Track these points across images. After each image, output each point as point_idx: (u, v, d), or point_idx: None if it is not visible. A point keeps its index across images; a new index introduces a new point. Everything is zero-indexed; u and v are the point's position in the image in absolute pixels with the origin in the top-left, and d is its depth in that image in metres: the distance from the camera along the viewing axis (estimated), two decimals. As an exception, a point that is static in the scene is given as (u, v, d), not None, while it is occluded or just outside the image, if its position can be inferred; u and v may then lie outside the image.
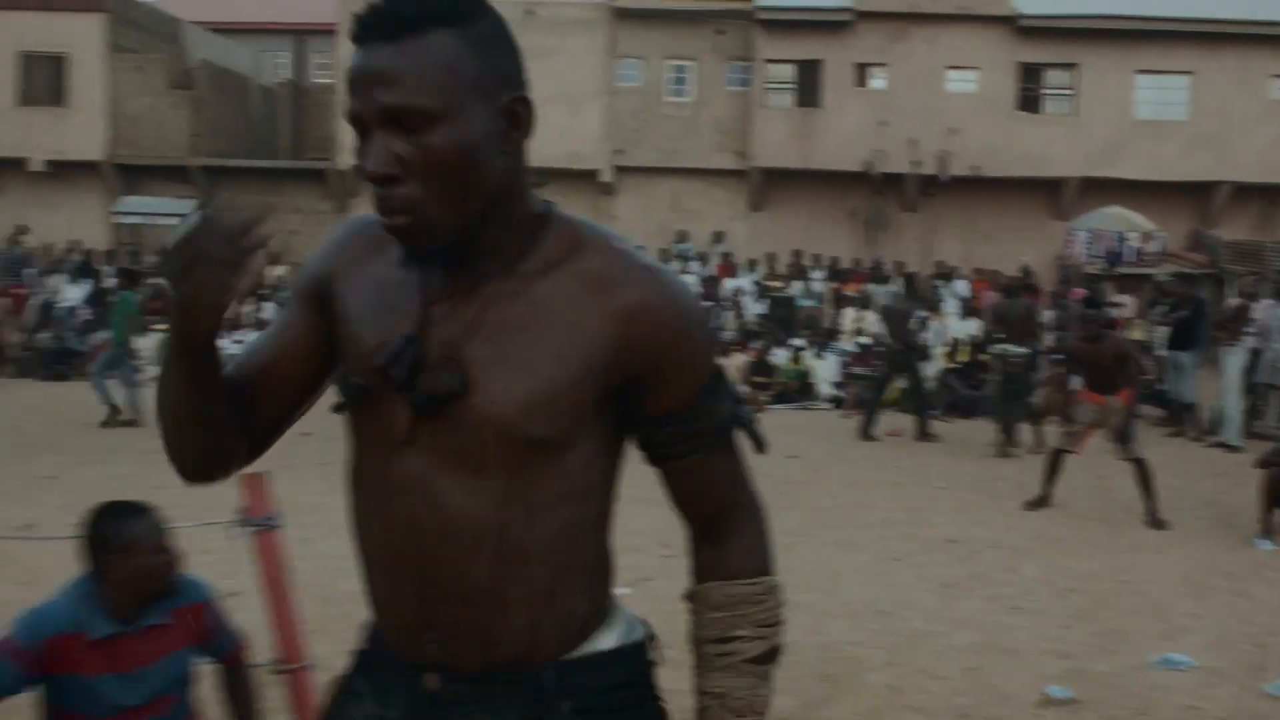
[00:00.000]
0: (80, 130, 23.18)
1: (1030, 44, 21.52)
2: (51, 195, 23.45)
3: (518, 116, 1.22)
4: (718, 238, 21.49)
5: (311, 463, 6.28)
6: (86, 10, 22.97)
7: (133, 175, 23.47)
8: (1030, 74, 21.82)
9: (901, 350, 10.98)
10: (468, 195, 1.19)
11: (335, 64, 29.33)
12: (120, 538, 2.56)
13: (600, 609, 1.34)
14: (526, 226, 1.26)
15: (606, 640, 1.33)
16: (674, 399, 1.27)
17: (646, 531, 5.14)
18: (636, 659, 1.36)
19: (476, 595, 1.25)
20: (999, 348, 10.62)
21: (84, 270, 19.46)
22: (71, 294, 18.20)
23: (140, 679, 2.55)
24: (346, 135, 21.54)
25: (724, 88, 22.38)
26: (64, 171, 23.30)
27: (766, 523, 1.39)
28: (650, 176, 22.38)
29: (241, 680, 2.88)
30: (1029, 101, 21.89)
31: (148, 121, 23.13)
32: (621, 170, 22.41)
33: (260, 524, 3.18)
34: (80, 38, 22.94)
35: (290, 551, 3.26)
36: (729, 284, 18.28)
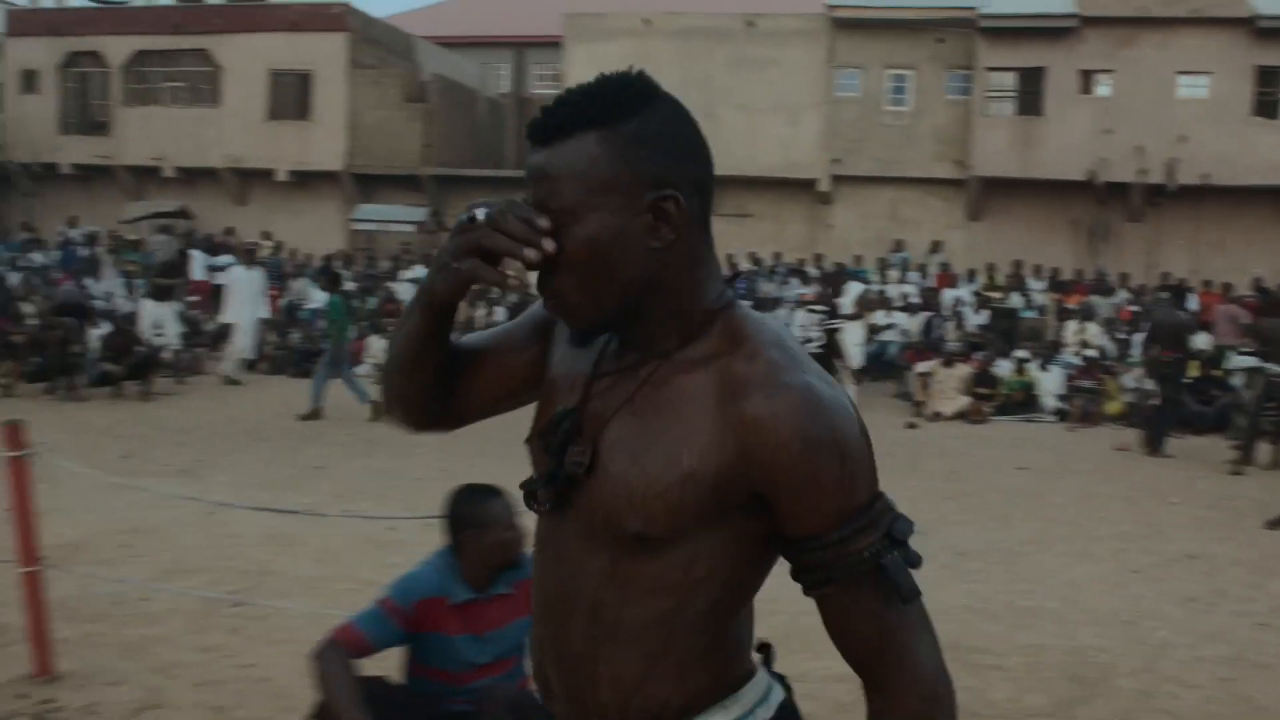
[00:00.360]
0: (322, 142, 24.90)
1: (1269, 46, 20.61)
2: (295, 203, 25.27)
3: (665, 213, 1.23)
4: (935, 247, 21.40)
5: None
6: (330, 30, 24.67)
7: (368, 184, 25.06)
8: (1268, 77, 20.88)
9: (1170, 362, 10.88)
10: (603, 288, 1.23)
11: (556, 75, 30.60)
12: (478, 516, 2.88)
13: (710, 696, 1.30)
14: (694, 318, 1.27)
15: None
16: (802, 524, 1.20)
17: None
18: None
19: (572, 662, 1.29)
20: (1253, 363, 10.42)
21: (327, 274, 20.90)
22: (316, 297, 19.61)
23: (490, 641, 2.91)
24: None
25: (943, 96, 22.28)
26: (307, 181, 25.08)
27: (936, 683, 1.24)
28: (868, 186, 22.48)
29: None
30: (1266, 107, 20.95)
31: (383, 133, 24.66)
32: (839, 179, 22.58)
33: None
34: (324, 56, 24.65)
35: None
36: (949, 294, 18.24)
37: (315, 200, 25.25)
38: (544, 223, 1.21)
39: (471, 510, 2.88)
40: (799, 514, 1.19)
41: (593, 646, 1.27)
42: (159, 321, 14.72)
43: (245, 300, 15.22)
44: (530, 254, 1.21)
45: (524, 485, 1.36)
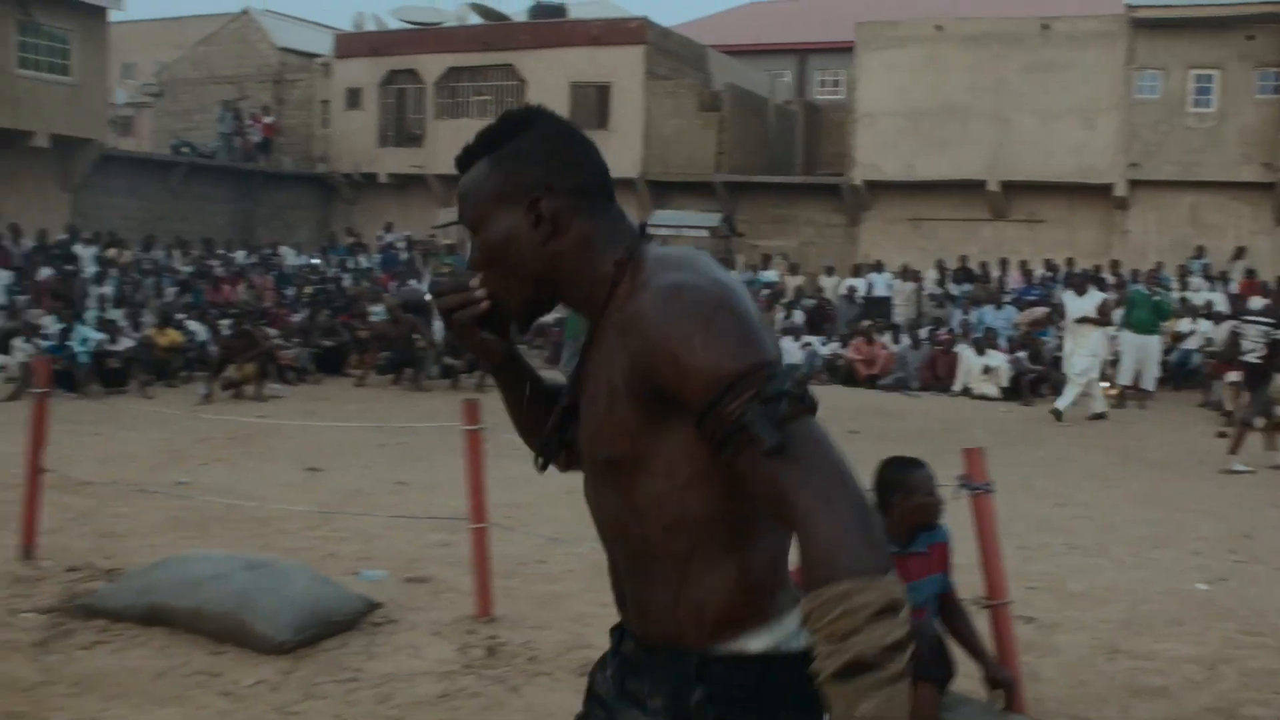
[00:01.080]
0: (619, 151, 28.96)
1: None
2: (593, 209, 29.43)
3: (540, 212, 1.67)
4: (1239, 254, 23.26)
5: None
6: (629, 44, 28.77)
7: (662, 191, 29.01)
8: None
9: None
10: (511, 280, 1.71)
11: (838, 81, 33.90)
12: (905, 482, 3.65)
13: (744, 613, 1.60)
14: (599, 285, 1.66)
15: (755, 644, 1.60)
16: (689, 400, 1.50)
17: (1211, 538, 7.57)
18: (783, 667, 1.59)
19: (627, 577, 1.73)
20: None
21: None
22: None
23: (909, 590, 5.28)
24: (859, 151, 25.80)
25: (1253, 96, 24.15)
26: (606, 188, 29.18)
27: (837, 523, 1.42)
28: (1167, 190, 24.68)
29: (959, 609, 3.95)
30: None
31: (678, 142, 28.54)
32: (1136, 184, 24.87)
33: (978, 488, 4.22)
34: (623, 68, 28.75)
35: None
36: (1255, 303, 20.23)
37: (612, 206, 29.30)
38: (474, 280, 1.71)
39: (899, 476, 3.68)
40: (682, 391, 1.50)
41: (634, 562, 1.68)
42: None
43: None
44: (474, 310, 1.73)
45: (537, 449, 1.88)
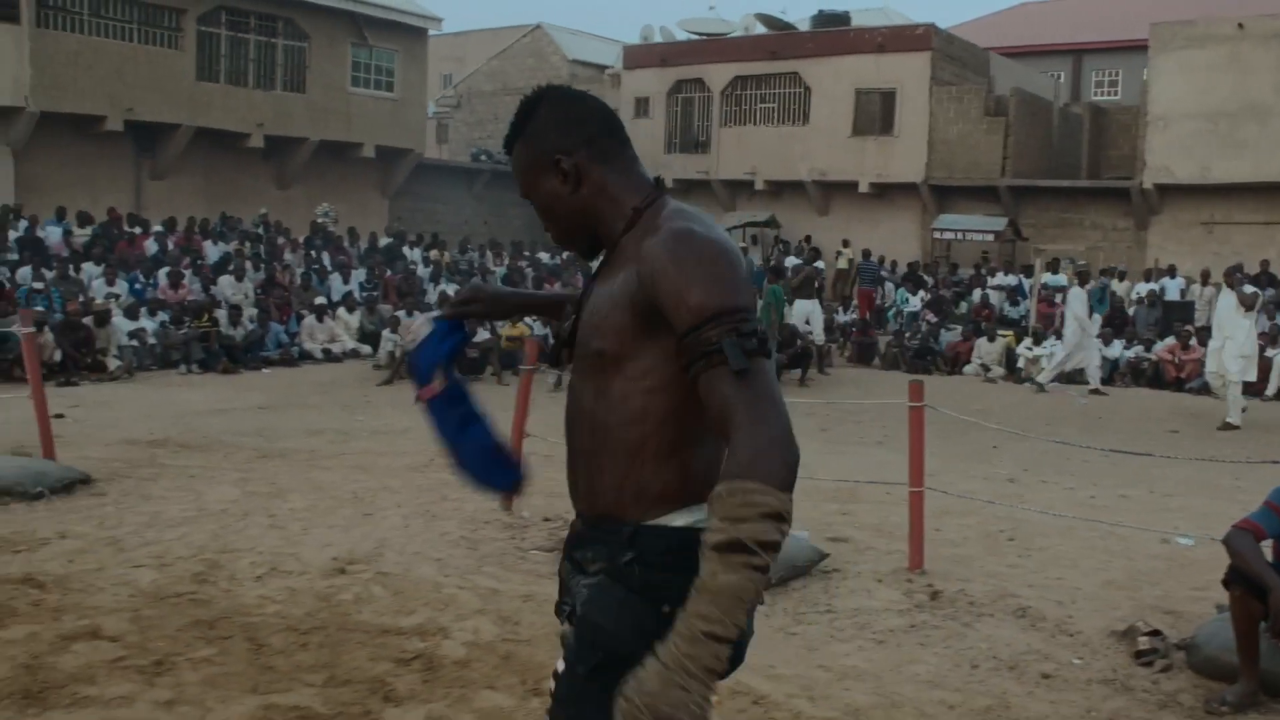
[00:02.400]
0: (903, 156, 29.51)
1: None
2: (874, 213, 30.11)
3: (563, 171, 2.11)
4: None
5: None
6: (915, 50, 29.25)
7: (945, 195, 29.33)
8: None
9: None
10: (563, 224, 2.18)
11: (1114, 81, 33.45)
12: None
13: (676, 496, 2.03)
14: (621, 220, 2.10)
15: (678, 520, 2.02)
16: (677, 321, 1.91)
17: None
18: (680, 536, 2.01)
19: (584, 461, 2.12)
20: None
21: (914, 278, 25.42)
22: (914, 300, 24.11)
23: None
24: (1150, 154, 25.56)
25: None
26: (886, 192, 29.78)
27: (766, 440, 1.81)
28: None
29: None
30: None
31: (962, 146, 28.85)
32: None
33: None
34: (908, 74, 29.26)
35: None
36: None
37: (893, 210, 29.92)
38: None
39: None
40: (674, 312, 1.90)
41: (594, 444, 2.08)
42: (807, 316, 19.21)
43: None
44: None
45: (550, 351, 2.53)
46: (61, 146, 23.33)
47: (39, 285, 16.78)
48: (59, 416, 10.77)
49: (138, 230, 21.74)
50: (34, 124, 22.61)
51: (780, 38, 31.99)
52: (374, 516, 7.30)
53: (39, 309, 15.24)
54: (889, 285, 26.73)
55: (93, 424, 11.05)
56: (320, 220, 24.61)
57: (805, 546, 6.46)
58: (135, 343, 15.61)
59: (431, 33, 29.80)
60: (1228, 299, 13.98)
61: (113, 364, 14.97)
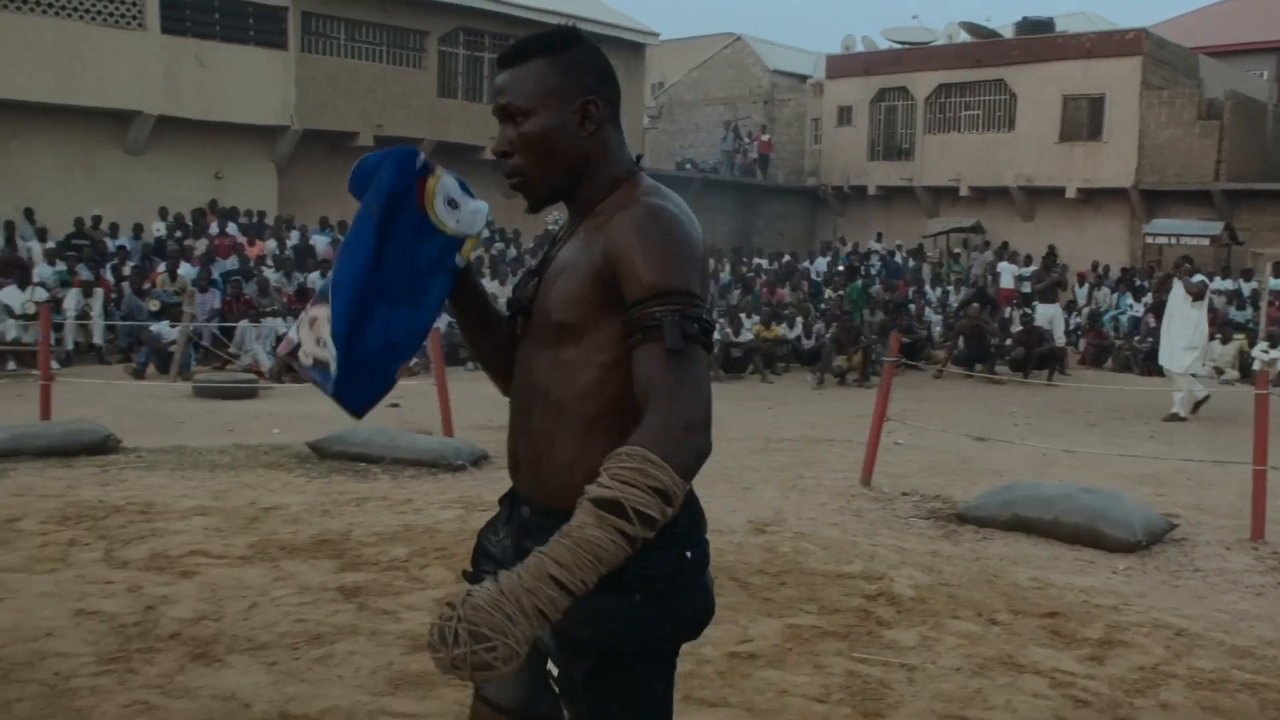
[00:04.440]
0: (1112, 161, 29.71)
1: None
2: (1081, 219, 30.36)
3: (589, 113, 2.03)
4: None
5: None
6: (1124, 55, 29.42)
7: (1155, 199, 29.42)
8: None
9: None
10: (548, 163, 2.03)
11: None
12: None
13: None
14: (607, 184, 2.05)
15: None
16: (628, 295, 1.89)
17: None
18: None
19: (533, 437, 2.04)
20: None
21: (1129, 283, 25.69)
22: (1137, 305, 24.40)
23: None
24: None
25: None
26: (1093, 198, 29.99)
27: (680, 424, 1.77)
28: None
29: None
30: None
31: (1173, 150, 28.93)
32: None
33: None
34: (1117, 79, 29.46)
35: None
36: None
37: (1101, 216, 30.12)
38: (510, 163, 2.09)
39: None
40: (626, 283, 1.89)
41: (546, 421, 2.03)
42: (1050, 319, 19.90)
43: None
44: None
45: (506, 320, 2.22)
46: (318, 162, 25.25)
47: (336, 290, 18.47)
48: (395, 406, 12.23)
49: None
50: (296, 141, 24.57)
51: (985, 45, 32.46)
52: (752, 490, 8.40)
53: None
54: (1104, 290, 26.97)
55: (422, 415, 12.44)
56: (551, 228, 26.07)
57: (1157, 517, 7.33)
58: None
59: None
60: (1178, 290, 13.99)
61: (411, 360, 16.49)
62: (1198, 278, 14.56)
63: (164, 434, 10.19)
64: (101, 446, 8.89)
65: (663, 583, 1.97)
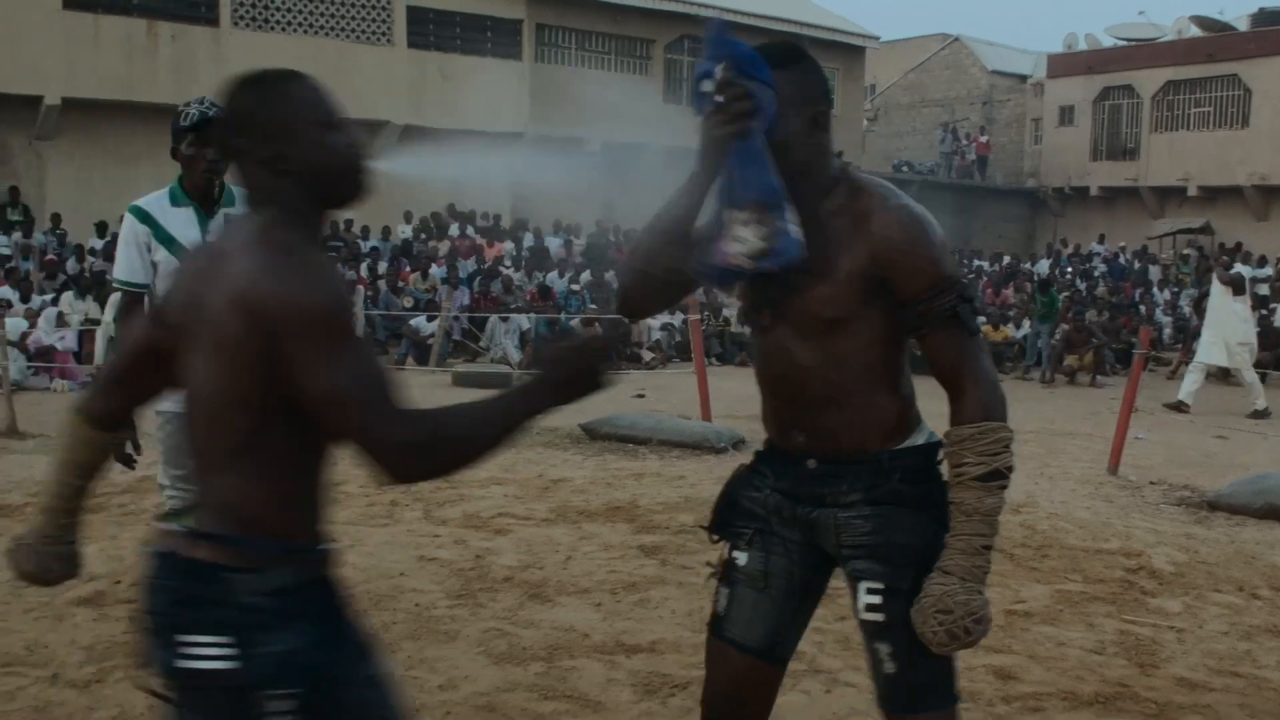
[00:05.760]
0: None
1: None
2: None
3: (818, 121, 2.29)
4: None
5: None
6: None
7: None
8: None
9: None
10: (783, 162, 2.19)
11: None
12: None
13: (905, 424, 2.39)
14: (825, 185, 2.31)
15: (916, 440, 2.40)
16: (909, 291, 2.25)
17: None
18: (931, 451, 2.40)
19: (815, 406, 2.37)
20: None
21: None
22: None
23: None
24: None
25: None
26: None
27: (993, 388, 2.28)
28: None
29: None
30: None
31: None
32: None
33: None
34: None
35: None
36: None
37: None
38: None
39: None
40: (907, 284, 2.25)
41: (822, 398, 2.36)
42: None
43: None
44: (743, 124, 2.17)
45: (746, 312, 2.46)
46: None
47: (575, 288, 19.45)
48: (640, 396, 12.93)
49: (623, 240, 24.40)
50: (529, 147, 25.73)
51: (1217, 39, 31.50)
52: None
53: (572, 308, 17.80)
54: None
55: (666, 404, 13.12)
56: (772, 229, 26.55)
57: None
58: (663, 334, 17.92)
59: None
60: (1217, 287, 13.65)
61: (646, 355, 17.26)
62: (1236, 269, 14.25)
63: (439, 417, 11.10)
64: (394, 425, 9.80)
65: (943, 509, 2.33)
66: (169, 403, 3.99)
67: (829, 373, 2.34)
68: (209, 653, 1.82)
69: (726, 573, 2.53)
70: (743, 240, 2.20)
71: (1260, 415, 13.29)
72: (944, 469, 2.37)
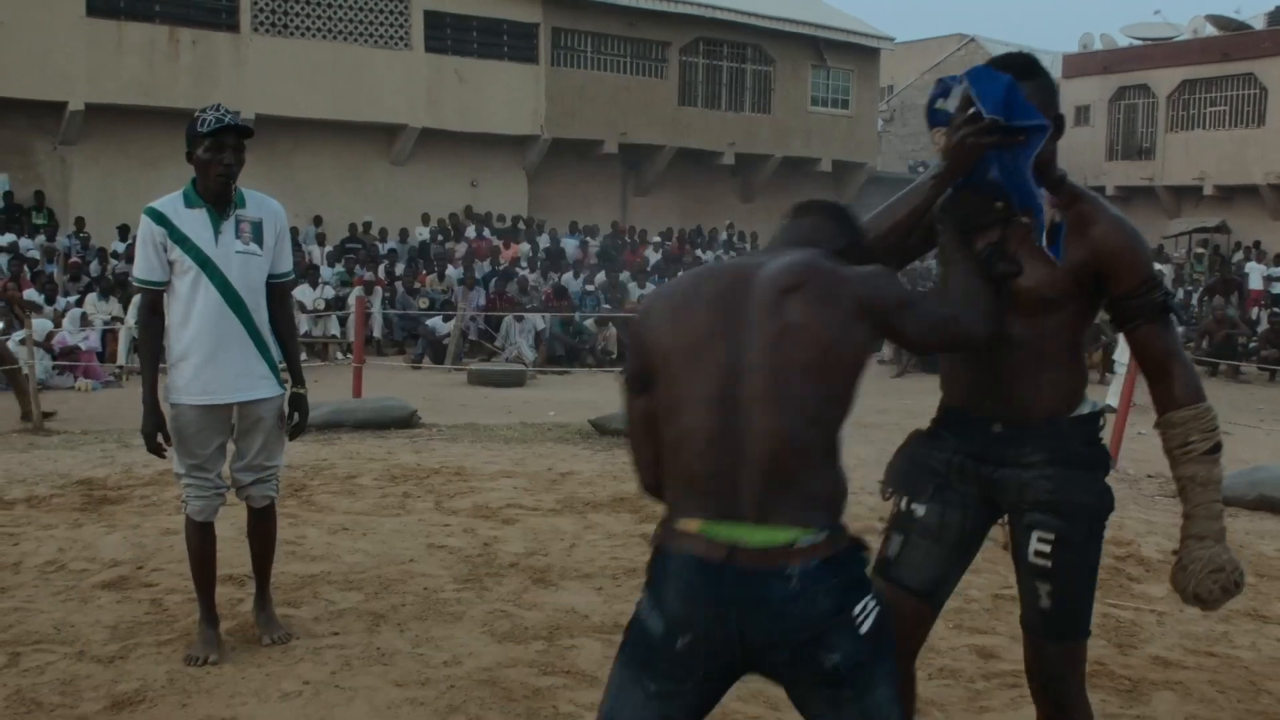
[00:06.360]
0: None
1: None
2: None
3: (1059, 128, 2.59)
4: None
5: None
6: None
7: None
8: None
9: None
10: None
11: None
12: None
13: (1080, 393, 2.74)
14: (1054, 184, 2.65)
15: (1084, 409, 2.73)
16: (1124, 287, 2.61)
17: None
18: (1097, 419, 2.74)
19: (1017, 376, 2.68)
20: None
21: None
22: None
23: None
24: None
25: None
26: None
27: (1195, 373, 2.69)
28: None
29: None
30: None
31: None
32: None
33: None
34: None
35: None
36: None
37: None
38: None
39: None
40: (1123, 281, 2.60)
41: (1024, 366, 2.68)
42: None
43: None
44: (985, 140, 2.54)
45: (996, 271, 2.64)
46: (565, 169, 26.62)
47: (590, 288, 19.67)
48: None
49: (638, 241, 24.61)
50: (545, 150, 25.97)
51: (1233, 38, 31.49)
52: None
53: (588, 309, 18.00)
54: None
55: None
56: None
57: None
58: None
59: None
60: None
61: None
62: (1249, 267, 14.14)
63: (453, 414, 11.33)
64: (408, 421, 10.06)
65: (1107, 470, 2.76)
66: (184, 395, 4.26)
67: (1036, 345, 2.66)
68: (871, 606, 2.14)
69: (901, 522, 2.83)
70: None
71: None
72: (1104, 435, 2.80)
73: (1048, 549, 2.67)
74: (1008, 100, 2.48)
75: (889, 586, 2.77)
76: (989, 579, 5.72)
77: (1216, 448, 2.63)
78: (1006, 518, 2.83)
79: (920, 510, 2.80)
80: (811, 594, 2.06)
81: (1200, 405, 2.63)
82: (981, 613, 5.22)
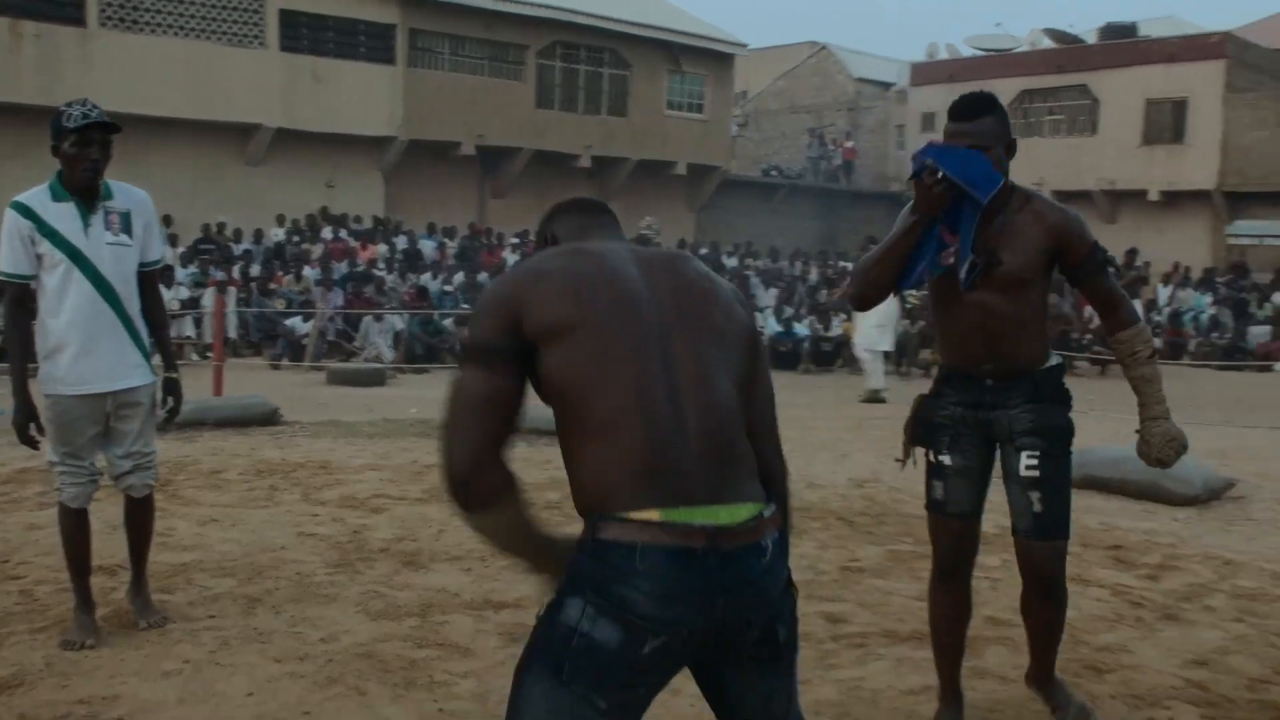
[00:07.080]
0: (1195, 164, 30.13)
1: None
2: (1162, 221, 30.78)
3: (1011, 151, 3.43)
4: None
5: None
6: (1208, 58, 29.84)
7: (1239, 202, 29.75)
8: None
9: None
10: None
11: None
12: None
13: (1047, 351, 3.57)
14: (1009, 193, 3.44)
15: (1052, 361, 3.57)
16: (1077, 258, 3.47)
17: None
18: (1060, 369, 3.60)
19: (1000, 340, 3.49)
20: None
21: (1209, 283, 26.10)
22: (1201, 303, 24.83)
23: None
24: None
25: None
26: (1176, 200, 30.41)
27: (1132, 304, 3.61)
28: None
29: None
30: None
31: (1258, 153, 29.28)
32: None
33: None
34: (1201, 83, 29.94)
35: None
36: None
37: (1183, 218, 30.57)
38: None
39: None
40: (1078, 253, 3.46)
41: (1005, 332, 3.48)
42: None
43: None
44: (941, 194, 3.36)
45: (966, 275, 3.43)
46: (422, 170, 26.59)
47: (449, 289, 19.75)
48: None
49: (496, 242, 24.74)
50: (402, 151, 25.92)
51: (1068, 51, 33.00)
52: (849, 457, 9.37)
53: (447, 309, 18.11)
54: (1187, 290, 27.35)
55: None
56: (645, 232, 27.11)
57: (1217, 475, 8.18)
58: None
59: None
60: None
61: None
62: None
63: (314, 412, 11.37)
64: (270, 418, 10.09)
65: (1070, 405, 3.59)
66: (61, 386, 4.34)
67: (1017, 316, 3.46)
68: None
69: (937, 471, 3.67)
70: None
71: (875, 399, 13.88)
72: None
73: (1035, 463, 3.48)
74: (963, 164, 3.32)
75: (945, 521, 3.68)
76: (837, 553, 6.09)
77: (1154, 354, 3.55)
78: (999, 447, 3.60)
79: (947, 459, 3.63)
80: (778, 566, 2.02)
81: (1139, 324, 3.55)
82: (830, 583, 5.56)
